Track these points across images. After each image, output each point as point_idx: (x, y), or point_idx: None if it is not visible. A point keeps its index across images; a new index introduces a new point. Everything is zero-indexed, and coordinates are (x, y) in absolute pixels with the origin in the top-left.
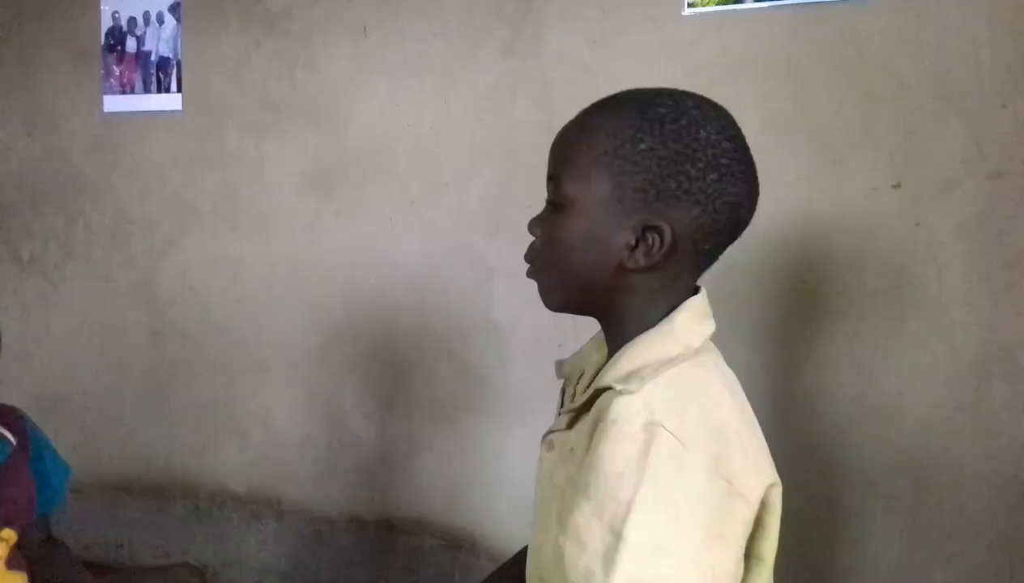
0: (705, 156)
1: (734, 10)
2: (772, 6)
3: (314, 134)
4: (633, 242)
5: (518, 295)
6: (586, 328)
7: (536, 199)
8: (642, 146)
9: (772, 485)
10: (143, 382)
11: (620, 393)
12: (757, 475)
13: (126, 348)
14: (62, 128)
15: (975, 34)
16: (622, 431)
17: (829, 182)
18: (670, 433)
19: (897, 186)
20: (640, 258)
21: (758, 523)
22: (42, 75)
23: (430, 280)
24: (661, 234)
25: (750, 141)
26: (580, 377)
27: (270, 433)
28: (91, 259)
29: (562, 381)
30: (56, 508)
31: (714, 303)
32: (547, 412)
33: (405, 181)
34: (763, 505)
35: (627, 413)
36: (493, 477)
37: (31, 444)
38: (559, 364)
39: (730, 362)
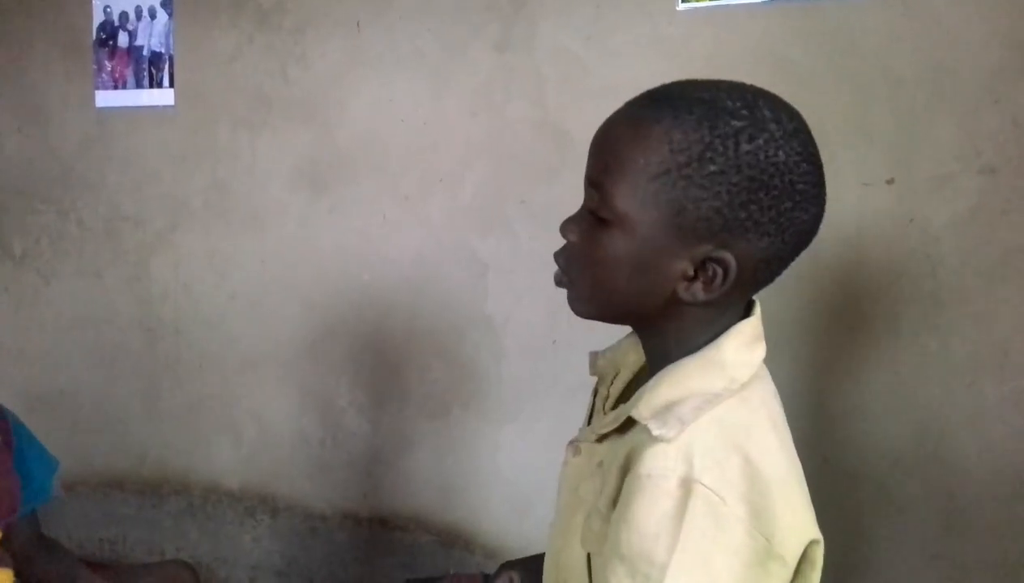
0: (782, 182)
1: (727, 5)
2: (765, 1)
3: (307, 129)
4: (692, 273)
5: (512, 291)
6: (584, 327)
7: (530, 195)
8: (712, 168)
9: (814, 542)
10: (135, 378)
11: (656, 440)
12: (799, 534)
13: (118, 344)
14: (54, 123)
15: (967, 29)
16: (658, 486)
17: None
18: (708, 489)
19: (890, 182)
20: (699, 292)
21: (799, 576)
22: (33, 70)
23: (424, 276)
24: (725, 267)
25: None
26: (615, 377)
27: (263, 430)
28: (83, 255)
29: (595, 379)
30: (41, 503)
31: None
32: (541, 408)
33: (398, 177)
34: (804, 559)
35: (663, 468)
36: (487, 473)
37: (14, 440)
38: (593, 357)
39: None
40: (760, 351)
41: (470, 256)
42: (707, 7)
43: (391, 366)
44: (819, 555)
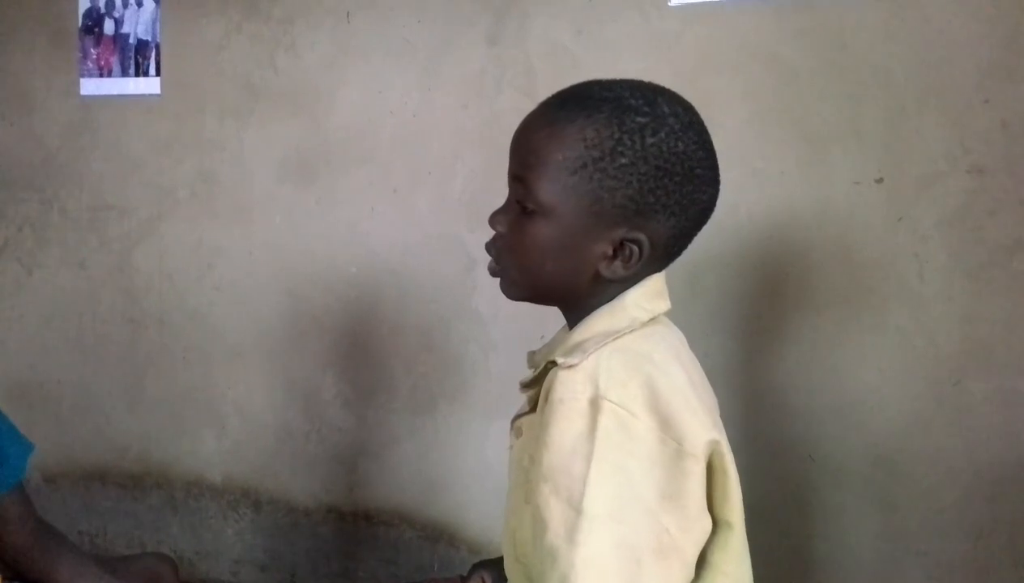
0: (683, 169)
1: (720, 1)
2: None
3: (295, 120)
4: (611, 252)
5: None
6: None
7: None
8: (623, 161)
9: (713, 442)
10: (119, 370)
11: (561, 367)
12: (701, 434)
13: (102, 335)
14: (38, 111)
15: (957, 28)
16: (570, 408)
17: (812, 176)
18: (615, 404)
19: (880, 181)
20: (619, 269)
21: (716, 486)
22: (18, 57)
23: (411, 269)
24: (640, 246)
25: (734, 133)
26: None
27: (247, 422)
28: (66, 245)
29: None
30: (14, 486)
31: (696, 295)
32: None
33: (387, 169)
34: (711, 466)
35: (573, 390)
36: (473, 468)
37: None
38: (531, 355)
39: (711, 353)
40: (661, 304)
41: (459, 249)
42: (698, 3)
43: (378, 359)
44: (721, 458)
